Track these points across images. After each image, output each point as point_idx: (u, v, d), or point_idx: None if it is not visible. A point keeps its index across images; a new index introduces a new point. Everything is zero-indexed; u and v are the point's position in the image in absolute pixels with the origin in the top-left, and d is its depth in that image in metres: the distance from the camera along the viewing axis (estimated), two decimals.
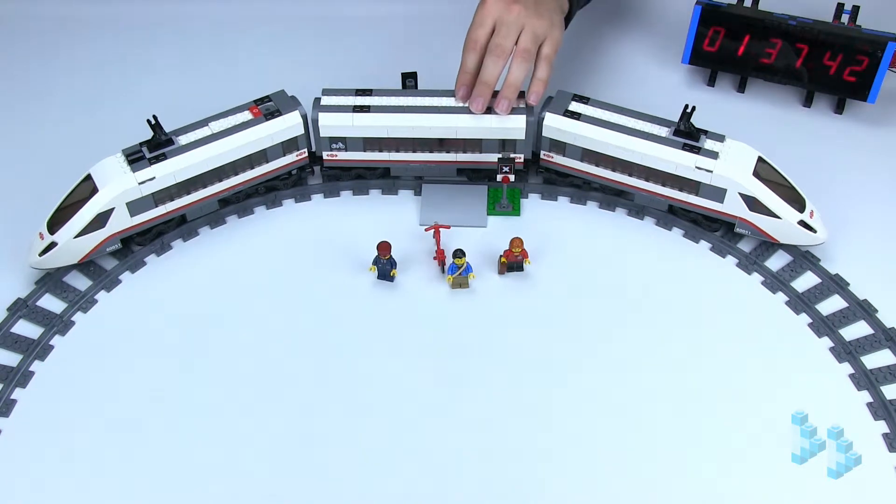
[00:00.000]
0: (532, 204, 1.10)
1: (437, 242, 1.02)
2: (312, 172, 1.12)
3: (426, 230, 1.03)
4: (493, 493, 0.87)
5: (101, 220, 0.99)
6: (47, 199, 1.00)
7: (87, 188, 0.99)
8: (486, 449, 0.90)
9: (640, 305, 1.01)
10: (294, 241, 1.07)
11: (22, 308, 1.00)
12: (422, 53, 1.26)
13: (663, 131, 1.03)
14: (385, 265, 1.00)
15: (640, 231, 1.08)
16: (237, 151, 1.03)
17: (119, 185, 0.98)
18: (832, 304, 1.00)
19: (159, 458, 0.89)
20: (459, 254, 0.99)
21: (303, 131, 1.06)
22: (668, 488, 0.87)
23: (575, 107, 1.05)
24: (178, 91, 1.23)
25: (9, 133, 1.19)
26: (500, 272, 1.03)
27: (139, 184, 0.99)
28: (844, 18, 1.15)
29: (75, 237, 0.98)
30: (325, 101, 1.06)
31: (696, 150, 1.01)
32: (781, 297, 1.01)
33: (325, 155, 1.08)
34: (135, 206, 1.00)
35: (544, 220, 1.08)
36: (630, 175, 1.05)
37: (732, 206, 1.02)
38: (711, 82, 1.25)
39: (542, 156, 1.08)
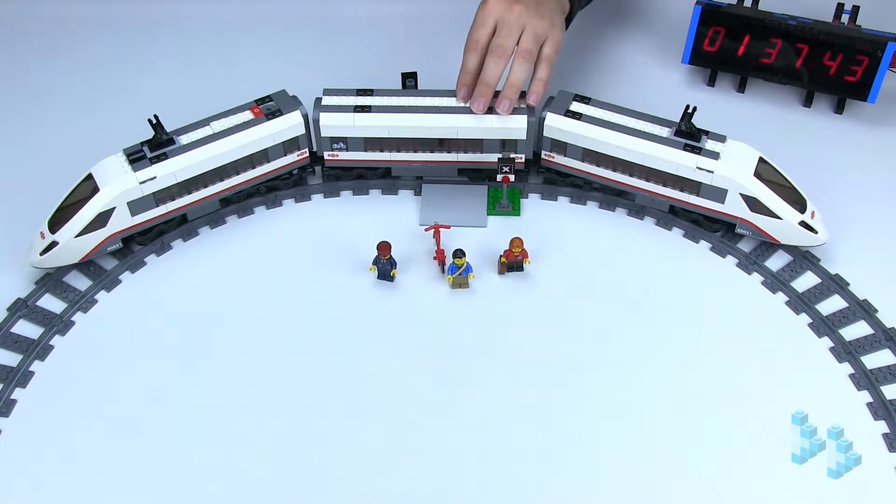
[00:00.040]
0: (532, 204, 1.10)
1: (437, 242, 1.02)
2: (313, 172, 1.12)
3: (426, 230, 1.03)
4: (493, 493, 0.87)
5: (102, 219, 0.99)
6: (47, 200, 1.00)
7: (88, 187, 0.99)
8: (486, 449, 0.90)
9: (640, 305, 1.01)
10: (294, 241, 1.07)
11: (22, 308, 1.00)
12: (422, 53, 1.26)
13: (664, 132, 1.03)
14: (385, 265, 1.00)
15: (640, 231, 1.08)
16: (238, 151, 1.03)
17: (120, 185, 0.98)
18: (832, 304, 1.00)
19: (159, 458, 0.89)
20: (459, 254, 0.99)
21: (304, 131, 1.06)
22: (668, 488, 0.87)
23: (576, 107, 1.05)
24: (178, 91, 1.23)
25: (9, 133, 1.19)
26: (500, 272, 1.03)
27: (140, 183, 0.99)
28: (844, 18, 1.15)
29: (76, 236, 0.98)
30: (327, 100, 1.06)
31: (698, 150, 1.01)
32: (781, 297, 1.01)
33: (327, 155, 1.08)
34: (136, 206, 1.00)
35: (544, 220, 1.08)
36: (631, 175, 1.05)
37: (733, 207, 1.02)
38: (711, 82, 1.25)
39: (543, 156, 1.08)
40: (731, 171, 1.00)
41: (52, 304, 1.01)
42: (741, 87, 1.24)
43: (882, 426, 0.90)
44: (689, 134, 1.02)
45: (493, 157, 1.06)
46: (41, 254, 0.98)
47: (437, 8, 1.33)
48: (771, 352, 0.97)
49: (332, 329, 0.99)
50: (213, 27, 1.34)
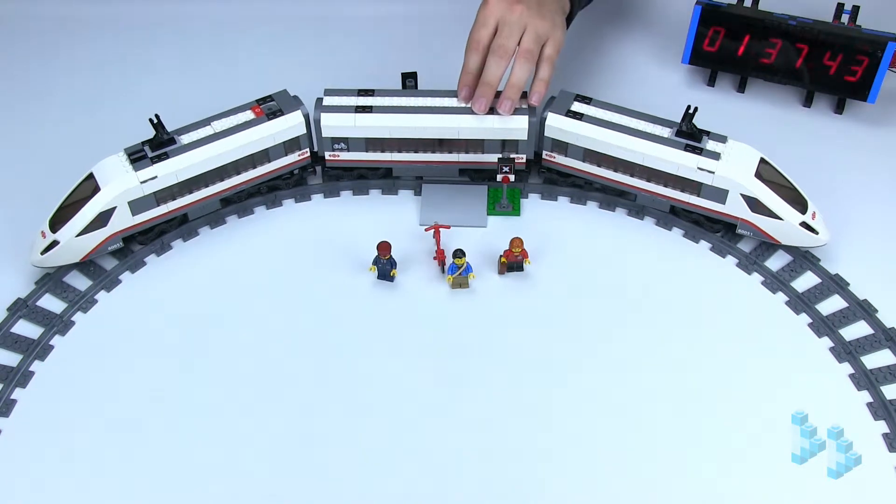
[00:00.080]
0: (532, 204, 1.11)
1: (437, 242, 1.02)
2: (314, 172, 1.12)
3: (426, 230, 1.03)
4: (493, 493, 0.87)
5: (103, 218, 0.99)
6: (47, 200, 1.00)
7: (89, 187, 0.99)
8: (486, 449, 0.90)
9: (640, 305, 1.01)
10: (294, 241, 1.07)
11: (22, 308, 1.00)
12: (422, 53, 1.26)
13: (665, 132, 1.03)
14: (385, 265, 1.00)
15: (640, 231, 1.08)
16: (239, 151, 1.03)
17: (121, 184, 0.98)
18: (832, 304, 1.00)
19: (159, 458, 0.89)
20: (459, 254, 0.99)
21: (305, 131, 1.06)
22: (668, 488, 0.87)
23: (577, 107, 1.05)
24: (179, 91, 1.23)
25: (9, 133, 1.19)
26: (500, 272, 1.03)
27: (141, 183, 0.99)
28: (844, 18, 1.15)
29: (77, 236, 0.98)
30: (328, 101, 1.06)
31: (699, 150, 1.01)
32: (781, 297, 1.01)
33: (328, 155, 1.08)
34: (137, 205, 1.00)
35: (544, 220, 1.08)
36: (632, 175, 1.05)
37: (734, 208, 1.02)
38: (711, 82, 1.25)
39: (544, 156, 1.08)
40: (732, 171, 1.00)
41: (52, 304, 1.01)
42: (741, 87, 1.24)
43: (882, 426, 0.90)
44: (690, 134, 1.02)
45: (495, 158, 1.06)
46: (42, 253, 0.98)
47: (437, 8, 1.33)
48: (771, 352, 0.97)
49: (332, 329, 0.99)
50: (213, 27, 1.34)
